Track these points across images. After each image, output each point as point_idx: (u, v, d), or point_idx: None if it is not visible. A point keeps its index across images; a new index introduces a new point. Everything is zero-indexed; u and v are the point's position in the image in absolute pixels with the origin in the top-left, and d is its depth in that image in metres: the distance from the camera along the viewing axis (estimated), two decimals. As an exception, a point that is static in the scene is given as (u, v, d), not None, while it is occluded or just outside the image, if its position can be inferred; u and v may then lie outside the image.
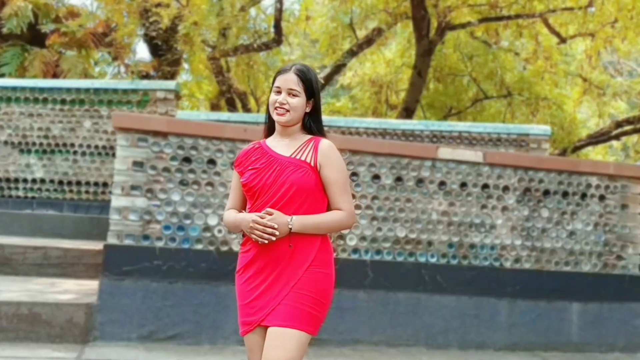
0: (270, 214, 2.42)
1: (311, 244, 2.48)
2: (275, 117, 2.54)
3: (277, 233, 2.40)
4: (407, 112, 11.41)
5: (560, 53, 12.87)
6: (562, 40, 11.96)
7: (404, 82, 14.89)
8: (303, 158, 2.51)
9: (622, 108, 15.96)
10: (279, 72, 2.60)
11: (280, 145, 2.57)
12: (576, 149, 14.75)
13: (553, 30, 11.73)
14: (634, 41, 11.41)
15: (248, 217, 2.47)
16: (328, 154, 2.52)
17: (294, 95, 2.52)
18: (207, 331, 4.90)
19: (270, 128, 2.66)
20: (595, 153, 18.95)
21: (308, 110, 2.58)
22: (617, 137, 15.14)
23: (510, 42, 14.16)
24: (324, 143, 2.55)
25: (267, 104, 2.64)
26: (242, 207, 2.64)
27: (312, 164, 2.50)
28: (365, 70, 15.27)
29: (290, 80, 2.53)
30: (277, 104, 2.52)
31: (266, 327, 2.45)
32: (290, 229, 2.43)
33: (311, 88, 2.56)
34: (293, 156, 2.52)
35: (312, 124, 2.60)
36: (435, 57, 13.26)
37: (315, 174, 2.50)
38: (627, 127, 14.81)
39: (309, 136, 2.59)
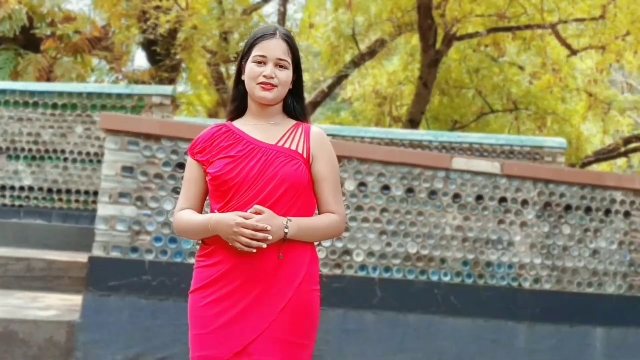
0: (260, 213, 1.88)
1: (303, 254, 1.98)
2: (258, 93, 2.00)
3: (269, 238, 1.86)
4: (412, 123, 11.07)
5: (570, 67, 12.55)
6: (573, 52, 11.64)
7: (406, 96, 14.57)
8: (293, 147, 2.01)
9: (627, 124, 15.60)
10: (260, 36, 2.03)
11: (257, 129, 2.04)
12: (584, 165, 14.41)
13: (564, 42, 11.42)
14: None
15: (228, 217, 1.88)
16: (322, 145, 2.04)
17: (282, 66, 2.01)
18: (199, 353, 4.48)
19: (238, 108, 2.10)
20: (599, 170, 18.59)
21: (290, 86, 2.07)
22: (625, 153, 14.80)
23: (516, 56, 13.86)
24: (316, 130, 2.06)
25: (235, 77, 2.10)
26: (200, 208, 2.07)
27: (305, 155, 2.01)
28: (368, 82, 14.96)
29: (278, 47, 2.00)
30: (262, 78, 1.98)
31: None
32: (286, 233, 1.90)
33: (297, 58, 2.06)
34: (281, 144, 2.01)
35: (294, 104, 2.09)
36: (439, 69, 12.95)
37: (308, 168, 2.00)
38: (636, 144, 14.48)
39: (294, 121, 2.08)
